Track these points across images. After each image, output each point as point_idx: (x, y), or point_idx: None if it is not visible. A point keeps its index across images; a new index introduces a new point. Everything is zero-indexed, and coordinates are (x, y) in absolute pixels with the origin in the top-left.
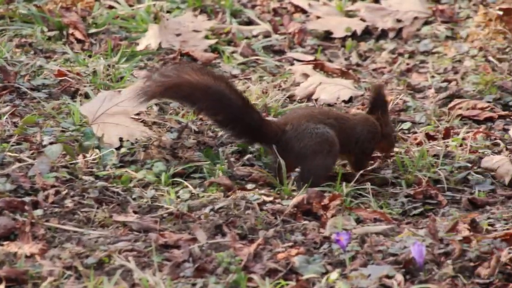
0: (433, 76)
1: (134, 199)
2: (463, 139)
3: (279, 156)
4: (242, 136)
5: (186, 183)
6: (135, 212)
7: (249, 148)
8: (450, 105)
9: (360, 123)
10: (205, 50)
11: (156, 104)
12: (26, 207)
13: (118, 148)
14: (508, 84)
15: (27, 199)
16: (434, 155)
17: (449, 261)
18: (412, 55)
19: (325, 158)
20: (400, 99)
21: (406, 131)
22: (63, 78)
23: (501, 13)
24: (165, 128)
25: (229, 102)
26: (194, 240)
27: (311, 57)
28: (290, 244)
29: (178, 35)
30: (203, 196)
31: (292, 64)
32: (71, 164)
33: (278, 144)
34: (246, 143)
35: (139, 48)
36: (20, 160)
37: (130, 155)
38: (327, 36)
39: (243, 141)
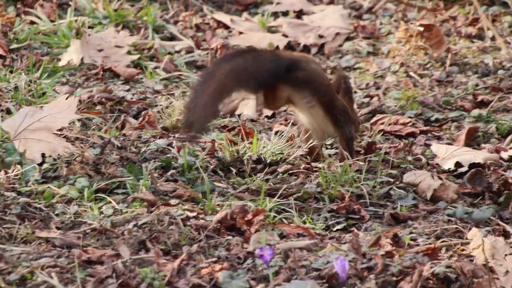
0: (355, 92)
1: (57, 215)
2: (386, 154)
3: None
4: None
5: (109, 198)
6: (58, 228)
7: (173, 163)
8: (372, 120)
9: (339, 99)
10: (128, 66)
11: (78, 120)
12: None
13: (40, 164)
14: (429, 100)
15: None
16: (357, 170)
17: (372, 276)
18: (334, 70)
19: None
20: None
21: (329, 146)
22: None
23: (421, 29)
24: (88, 143)
25: None
26: (118, 255)
27: None
28: (214, 259)
29: (100, 50)
30: (126, 212)
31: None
32: None
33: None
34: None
35: (61, 63)
36: None
37: (53, 170)
38: None
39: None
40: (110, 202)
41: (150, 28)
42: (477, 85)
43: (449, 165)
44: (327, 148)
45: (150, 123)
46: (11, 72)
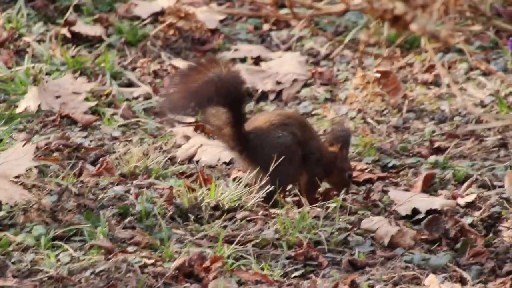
0: None
1: (13, 263)
2: (343, 200)
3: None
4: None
5: (66, 246)
6: (14, 276)
7: (130, 210)
8: None
9: (318, 141)
10: (86, 112)
11: (35, 167)
12: None
13: None
14: (386, 146)
15: None
16: (315, 217)
17: None
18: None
19: (287, 167)
20: None
21: (288, 192)
22: None
23: (378, 75)
24: (45, 190)
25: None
26: None
27: (192, 119)
28: None
29: (58, 97)
30: (83, 259)
31: (173, 126)
32: None
33: (245, 152)
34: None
35: (18, 110)
36: None
37: (9, 218)
38: None
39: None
40: (67, 250)
41: (107, 74)
42: (433, 131)
43: (406, 211)
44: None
45: (107, 169)
46: None
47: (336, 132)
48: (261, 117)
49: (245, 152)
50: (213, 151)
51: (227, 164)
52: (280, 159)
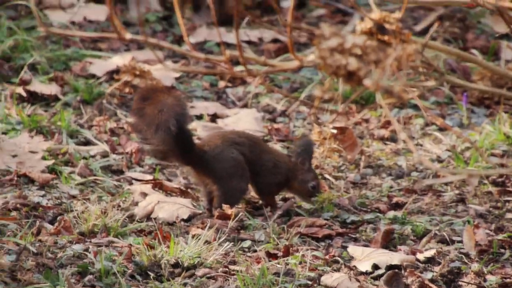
0: None
1: None
2: (303, 256)
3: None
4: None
5: None
6: None
7: (90, 269)
8: (289, 222)
9: (271, 154)
10: (43, 171)
11: None
12: None
13: None
14: (344, 202)
15: None
16: (275, 273)
17: None
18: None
19: (239, 181)
20: (240, 217)
21: (247, 249)
22: None
23: (335, 131)
24: (3, 250)
25: None
26: None
27: (149, 177)
28: None
29: (14, 156)
30: None
31: (131, 184)
32: None
33: (198, 164)
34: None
35: None
36: None
37: None
38: None
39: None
40: None
41: (64, 133)
42: (391, 187)
43: (366, 267)
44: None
45: (66, 228)
46: None
47: (298, 144)
48: (215, 135)
49: (198, 165)
50: (170, 208)
51: (186, 221)
52: (233, 174)
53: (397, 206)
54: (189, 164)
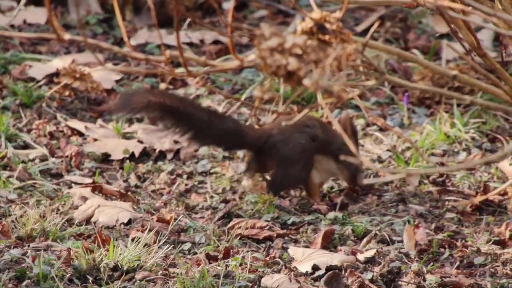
0: (212, 196)
1: None
2: (243, 258)
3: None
4: (221, 143)
5: None
6: None
7: (28, 273)
8: (230, 224)
9: (339, 134)
10: None
11: None
12: None
13: None
14: (285, 203)
15: None
16: (215, 275)
17: None
18: (190, 175)
19: (300, 170)
20: (180, 220)
21: (187, 252)
22: None
23: None
24: None
25: (192, 118)
26: None
27: (89, 180)
28: None
29: None
30: None
31: (70, 187)
32: None
33: (262, 148)
34: (227, 149)
35: None
36: None
37: None
38: (105, 158)
39: (224, 148)
40: None
41: (2, 137)
42: (332, 187)
43: (306, 268)
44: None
45: (3, 233)
46: None
47: (343, 126)
48: (285, 120)
49: (262, 149)
50: (110, 211)
51: (126, 224)
52: (297, 161)
53: (340, 207)
54: (252, 149)
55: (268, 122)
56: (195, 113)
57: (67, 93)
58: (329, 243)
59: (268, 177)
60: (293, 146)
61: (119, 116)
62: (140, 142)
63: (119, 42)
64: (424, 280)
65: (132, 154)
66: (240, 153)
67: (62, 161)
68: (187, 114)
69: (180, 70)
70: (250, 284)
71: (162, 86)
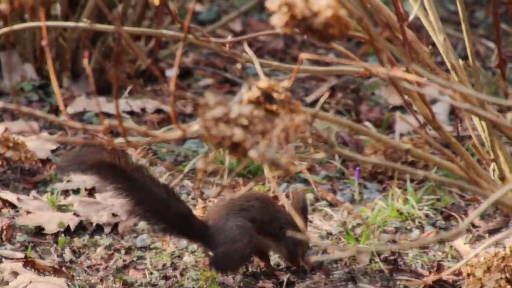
0: (151, 273)
1: None
2: None
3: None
4: (172, 228)
5: None
6: None
7: None
8: None
9: (284, 211)
10: None
11: None
12: None
13: None
14: (229, 280)
15: None
16: None
17: None
18: (129, 250)
19: (244, 247)
20: None
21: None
22: None
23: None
24: None
25: (148, 191)
26: None
27: (21, 254)
28: None
29: None
30: None
31: (0, 262)
32: None
33: (204, 241)
34: (174, 235)
35: None
36: None
37: None
38: (38, 231)
39: (172, 234)
40: None
41: None
42: (278, 265)
43: None
44: None
45: None
46: None
47: (295, 203)
48: (221, 205)
49: (204, 242)
50: None
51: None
52: (237, 240)
53: (286, 285)
54: (196, 241)
55: (208, 209)
56: (152, 187)
57: None
58: None
59: (210, 253)
60: (230, 230)
61: (69, 172)
62: (76, 215)
63: (56, 110)
64: None
65: (68, 228)
66: None
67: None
68: (142, 185)
69: (119, 140)
70: None
71: None
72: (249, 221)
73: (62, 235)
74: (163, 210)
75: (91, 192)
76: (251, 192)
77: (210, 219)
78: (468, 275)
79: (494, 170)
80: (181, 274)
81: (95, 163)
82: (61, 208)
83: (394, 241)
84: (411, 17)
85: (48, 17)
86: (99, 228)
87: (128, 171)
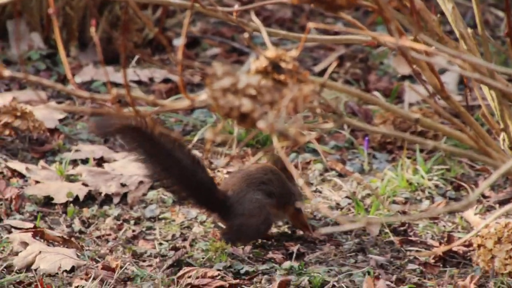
0: (161, 243)
1: None
2: None
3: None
4: (195, 196)
5: None
6: None
7: None
8: (179, 273)
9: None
10: None
11: None
12: None
13: None
14: (238, 251)
15: None
16: None
17: None
18: (138, 221)
19: (260, 223)
20: (127, 268)
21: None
22: None
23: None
24: None
25: (177, 161)
26: None
27: (30, 225)
28: None
29: None
30: None
31: (10, 232)
32: None
33: (222, 211)
34: (192, 205)
35: None
36: None
37: None
38: (47, 202)
39: (190, 203)
40: None
41: None
42: (288, 235)
43: None
44: None
45: None
46: None
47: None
48: (240, 176)
49: (222, 213)
50: (52, 258)
51: (68, 272)
52: (254, 215)
53: (296, 256)
54: (213, 212)
55: (224, 178)
56: (179, 154)
57: (7, 132)
58: None
59: (222, 225)
60: (249, 203)
61: (100, 135)
62: (85, 185)
63: (63, 79)
64: None
65: (76, 198)
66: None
67: (1, 204)
68: (169, 151)
69: (127, 110)
70: None
71: None
72: (268, 196)
73: (71, 205)
74: (187, 178)
75: (99, 162)
76: (263, 165)
77: (229, 190)
78: (479, 246)
79: (504, 140)
80: (191, 245)
81: (122, 126)
82: (69, 178)
83: (404, 212)
84: None
85: None
86: (108, 198)
87: (155, 137)
